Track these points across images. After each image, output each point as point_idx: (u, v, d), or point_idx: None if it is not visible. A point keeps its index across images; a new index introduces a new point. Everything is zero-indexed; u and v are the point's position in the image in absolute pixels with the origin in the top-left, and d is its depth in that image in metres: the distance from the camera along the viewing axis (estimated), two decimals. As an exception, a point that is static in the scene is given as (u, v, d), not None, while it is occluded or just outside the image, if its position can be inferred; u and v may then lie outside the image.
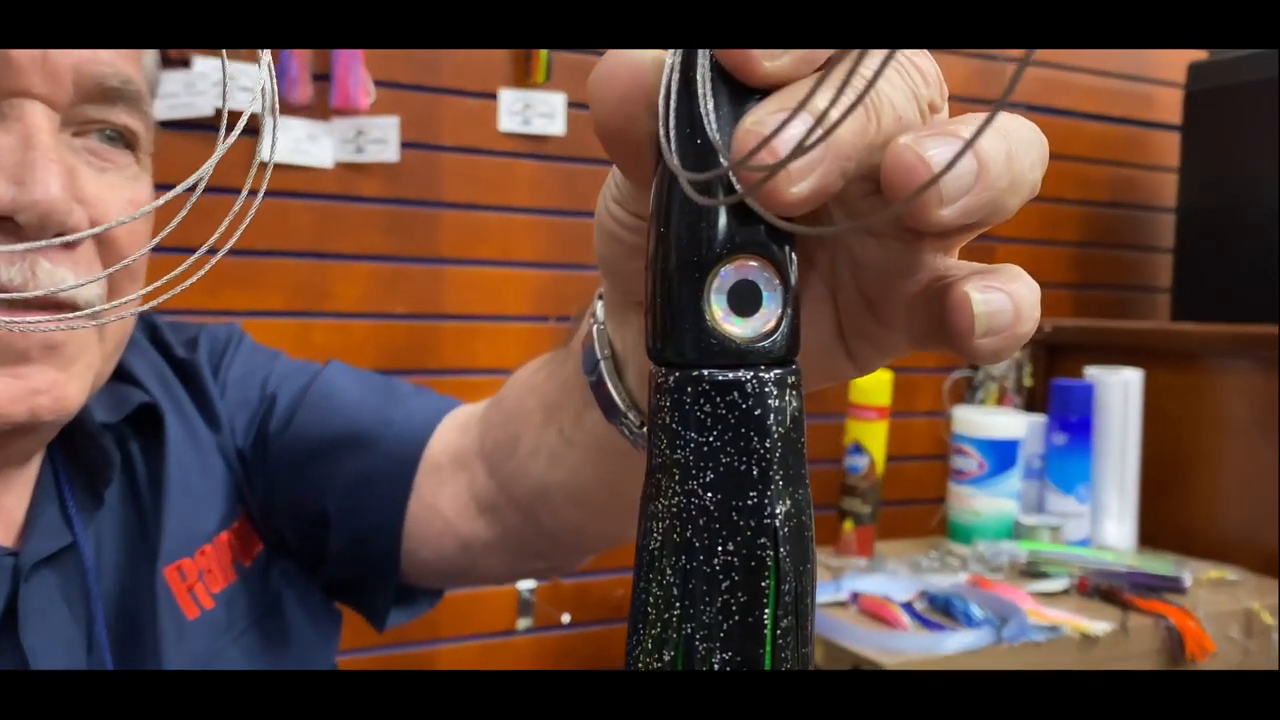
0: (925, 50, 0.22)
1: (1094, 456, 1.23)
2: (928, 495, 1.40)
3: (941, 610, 0.98)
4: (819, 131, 0.17)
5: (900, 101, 0.21)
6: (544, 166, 1.18)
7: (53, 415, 0.40)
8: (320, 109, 1.07)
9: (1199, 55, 1.44)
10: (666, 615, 0.20)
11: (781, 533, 0.19)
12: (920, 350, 0.26)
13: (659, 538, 0.20)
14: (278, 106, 0.22)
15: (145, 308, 0.23)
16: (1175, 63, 1.50)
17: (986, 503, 1.19)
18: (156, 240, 0.23)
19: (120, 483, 0.47)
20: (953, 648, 0.90)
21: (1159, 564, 1.10)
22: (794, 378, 0.20)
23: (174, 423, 0.50)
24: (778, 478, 0.20)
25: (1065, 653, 0.94)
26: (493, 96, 1.15)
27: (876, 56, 0.20)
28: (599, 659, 1.25)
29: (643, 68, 0.21)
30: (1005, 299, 0.22)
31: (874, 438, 1.16)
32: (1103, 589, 1.05)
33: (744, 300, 0.20)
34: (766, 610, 0.19)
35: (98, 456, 0.45)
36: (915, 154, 0.19)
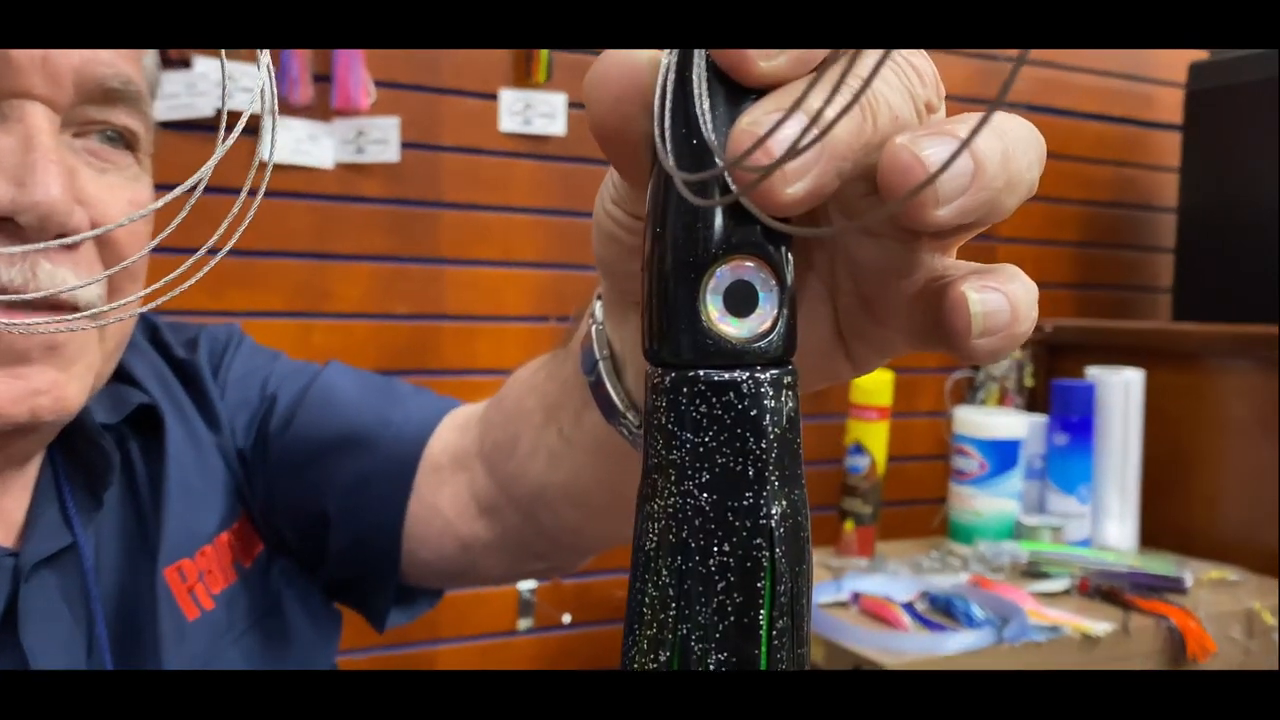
0: (922, 50, 0.22)
1: (1095, 457, 1.23)
2: (929, 495, 1.40)
3: (942, 611, 0.98)
4: (814, 131, 0.17)
5: (897, 101, 0.21)
6: (545, 167, 1.18)
7: (53, 416, 0.40)
8: (321, 109, 1.07)
9: (1200, 55, 1.44)
10: (662, 616, 0.20)
11: (777, 533, 0.19)
12: (918, 350, 0.26)
13: (655, 538, 0.20)
14: (277, 107, 0.22)
15: (146, 309, 0.23)
16: (1176, 63, 1.50)
17: (987, 503, 1.19)
18: (157, 241, 0.23)
19: (120, 483, 0.47)
20: (954, 648, 0.90)
21: (1160, 564, 1.10)
22: (790, 378, 0.20)
23: (174, 423, 0.50)
24: (773, 478, 0.20)
25: (1066, 653, 0.94)
26: (493, 97, 1.15)
27: (873, 56, 0.20)
28: (600, 659, 1.25)
29: (639, 68, 0.21)
30: (1002, 299, 0.22)
31: (875, 438, 1.15)
32: (1104, 589, 1.05)
33: (740, 301, 0.20)
34: (762, 611, 0.19)
35: (97, 457, 0.45)
36: (911, 154, 0.19)
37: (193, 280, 0.22)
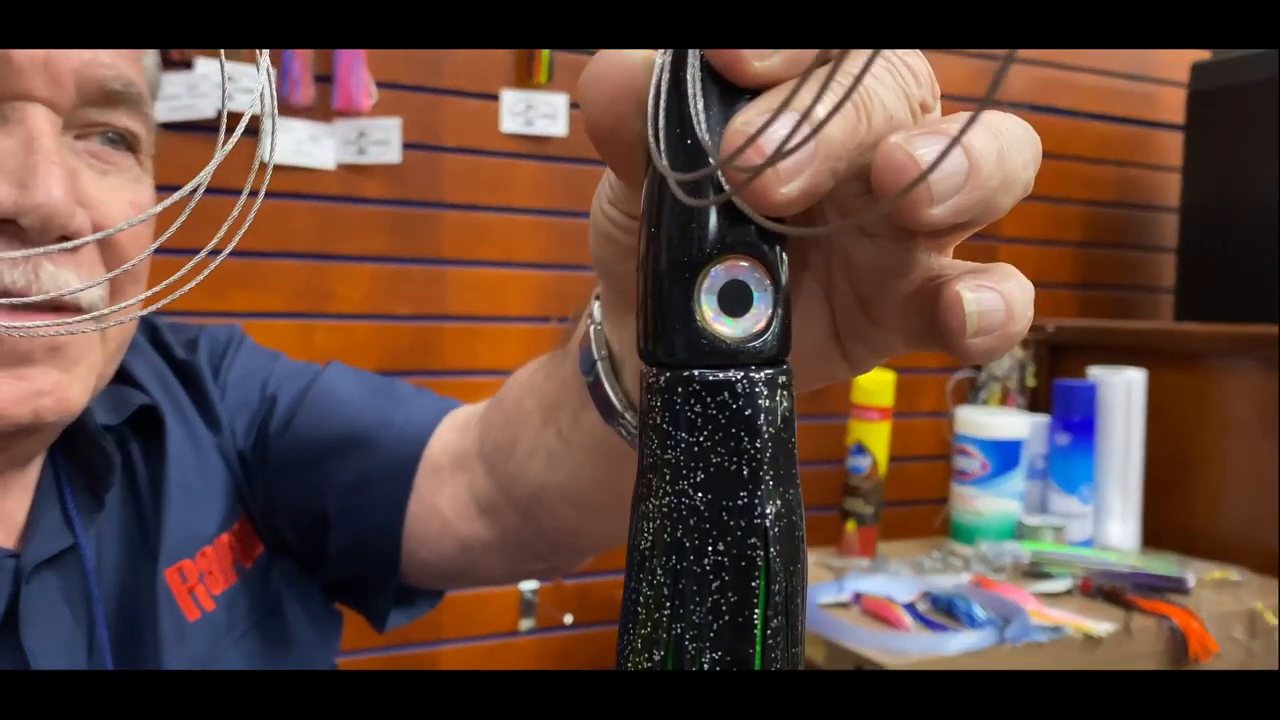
0: (917, 50, 0.22)
1: (1097, 457, 1.23)
2: (930, 496, 1.40)
3: (944, 611, 0.98)
4: (806, 129, 0.17)
5: (891, 101, 0.21)
6: (546, 167, 1.18)
7: (55, 417, 0.40)
8: (322, 110, 1.07)
9: (1202, 55, 1.44)
10: (657, 615, 0.20)
11: (772, 533, 0.19)
12: (915, 350, 0.26)
13: (650, 537, 0.20)
14: (276, 108, 0.22)
15: (148, 311, 0.23)
16: (1178, 62, 1.50)
17: (989, 503, 1.19)
18: (159, 243, 0.23)
19: (121, 485, 0.47)
20: (955, 648, 0.90)
21: (1162, 564, 1.10)
22: (785, 378, 0.20)
23: (174, 424, 0.50)
24: (768, 478, 0.20)
25: (1068, 653, 0.94)
26: (495, 97, 1.15)
27: (866, 56, 0.20)
28: (601, 660, 1.25)
29: (634, 68, 0.21)
30: (997, 298, 0.22)
31: (877, 438, 1.15)
32: (1106, 589, 1.04)
33: (734, 300, 0.20)
34: (756, 610, 0.19)
35: (99, 459, 0.45)
36: (905, 153, 0.19)
37: (194, 282, 0.22)
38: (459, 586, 0.56)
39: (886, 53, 0.21)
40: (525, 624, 1.21)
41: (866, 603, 0.99)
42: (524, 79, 1.16)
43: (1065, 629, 0.94)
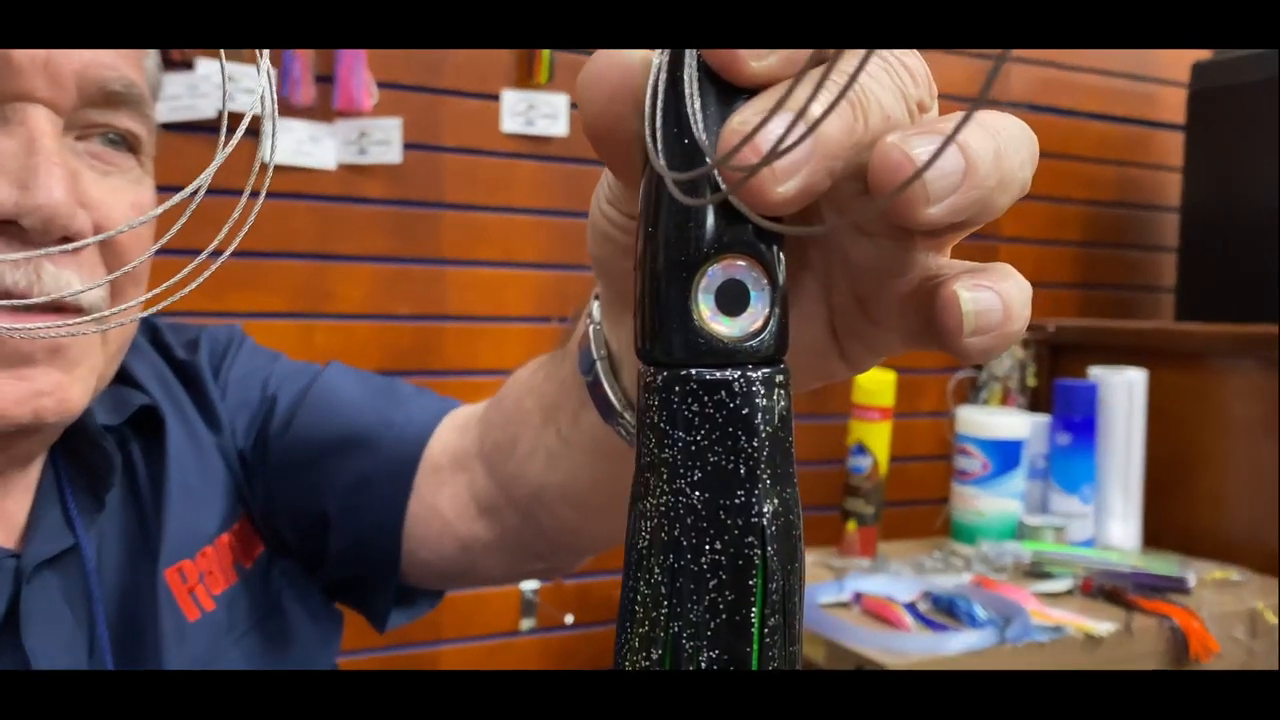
0: (915, 50, 0.22)
1: (1098, 457, 1.23)
2: (931, 496, 1.40)
3: (945, 611, 0.98)
4: (801, 127, 0.17)
5: (888, 101, 0.21)
6: (546, 167, 1.18)
7: (56, 417, 0.40)
8: (323, 110, 1.07)
9: (1203, 55, 1.44)
10: (654, 614, 0.20)
11: (769, 531, 0.19)
12: (914, 349, 0.26)
13: (647, 536, 0.20)
14: (276, 108, 0.22)
15: (149, 312, 0.23)
16: (1179, 62, 1.50)
17: (990, 503, 1.19)
18: (159, 244, 0.23)
19: (121, 485, 0.47)
20: (956, 648, 0.90)
21: (1163, 564, 1.10)
22: (782, 377, 0.20)
23: (175, 425, 0.50)
24: (765, 477, 0.20)
25: (1069, 653, 0.93)
26: (495, 97, 1.15)
27: (867, 57, 0.20)
28: (602, 659, 1.25)
29: (632, 68, 0.21)
30: (994, 298, 0.22)
31: (877, 438, 1.15)
32: (1107, 589, 1.04)
33: (732, 300, 0.20)
34: (754, 609, 0.19)
35: (99, 459, 0.45)
36: (901, 152, 0.19)
37: (195, 284, 0.22)
38: (459, 586, 0.56)
39: (884, 52, 0.21)
40: (526, 624, 1.21)
41: (867, 603, 0.99)
42: (524, 79, 1.16)
43: (1066, 629, 0.94)
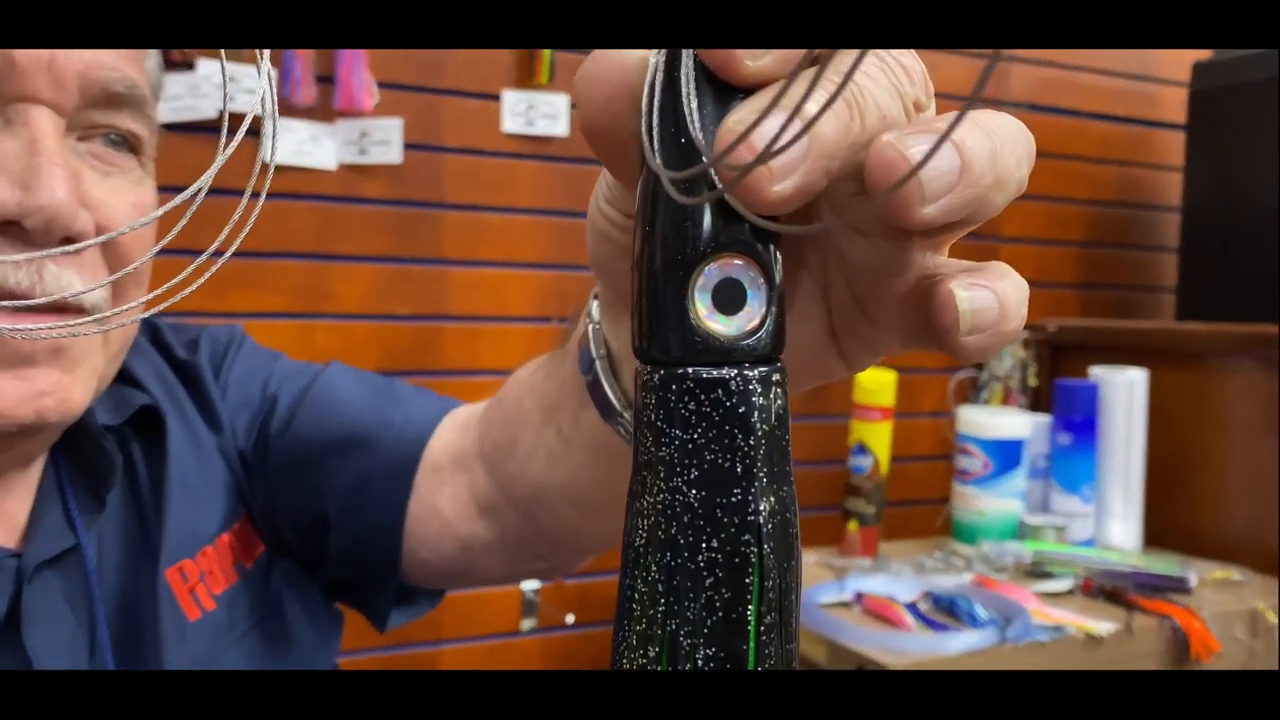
0: (911, 49, 0.22)
1: (1099, 456, 1.23)
2: (932, 495, 1.40)
3: (946, 610, 0.98)
4: (797, 125, 0.17)
5: (884, 100, 0.21)
6: (547, 167, 1.18)
7: (58, 417, 0.40)
8: (324, 111, 1.07)
9: (1204, 54, 1.44)
10: (651, 611, 0.20)
11: (765, 529, 0.20)
12: (911, 349, 0.26)
13: (644, 534, 0.20)
14: (277, 110, 0.22)
15: (150, 313, 0.23)
16: (1180, 62, 1.50)
17: (991, 503, 1.19)
18: (161, 245, 0.23)
19: (122, 485, 0.47)
20: (957, 648, 0.90)
21: (1164, 564, 1.10)
22: (779, 376, 0.20)
23: (175, 424, 0.50)
24: (762, 475, 0.20)
25: (1070, 653, 0.93)
26: (496, 98, 1.15)
27: (863, 57, 0.20)
28: (603, 659, 1.25)
29: (629, 67, 0.21)
30: (991, 296, 0.22)
31: (878, 438, 1.15)
32: (1107, 589, 1.04)
33: (728, 298, 0.20)
34: (750, 606, 0.20)
35: (100, 459, 0.45)
36: (897, 150, 0.19)
37: (196, 284, 0.22)
38: (459, 586, 0.56)
39: (880, 51, 0.21)
40: (527, 624, 1.21)
41: (868, 602, 0.99)
42: (525, 79, 1.16)
43: (1067, 629, 0.94)
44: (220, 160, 0.20)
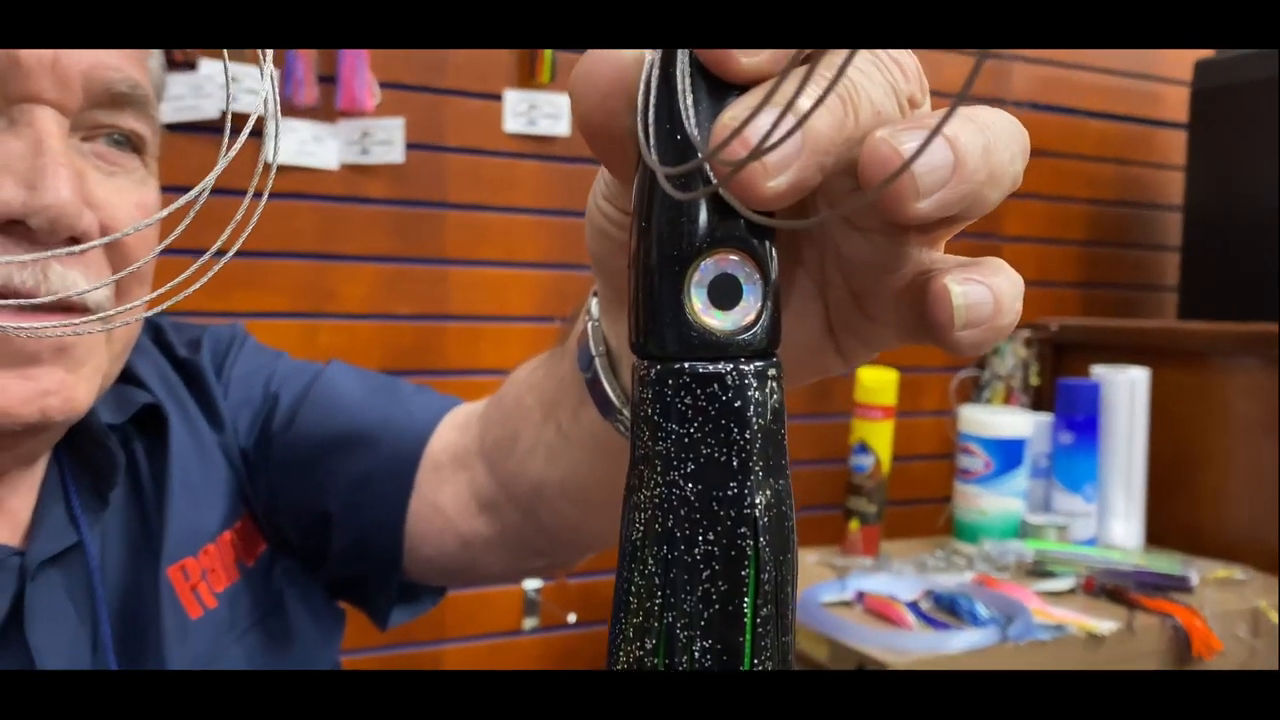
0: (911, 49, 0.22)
1: (1101, 455, 1.23)
2: (934, 494, 1.40)
3: (947, 609, 0.98)
4: (790, 120, 0.18)
5: (879, 96, 0.21)
6: (549, 167, 1.18)
7: (62, 416, 0.41)
8: (326, 111, 1.07)
9: (1205, 53, 1.44)
10: (648, 604, 0.20)
11: (761, 523, 0.20)
12: (908, 344, 0.26)
13: (641, 528, 0.20)
14: (279, 110, 0.22)
15: (153, 312, 0.23)
16: (1182, 61, 1.50)
17: (993, 502, 1.19)
18: (164, 245, 0.23)
19: (125, 483, 0.48)
20: (958, 647, 0.90)
21: (1166, 563, 1.10)
22: (774, 370, 0.20)
23: (177, 423, 0.50)
24: (757, 468, 0.20)
25: (1071, 652, 0.93)
26: (498, 97, 1.15)
27: (857, 53, 0.20)
28: (604, 659, 1.25)
29: (624, 64, 0.21)
30: (985, 291, 0.22)
31: (880, 437, 1.15)
32: (1109, 588, 1.04)
33: (724, 294, 0.20)
34: (746, 599, 0.20)
35: (103, 458, 0.46)
36: (890, 146, 0.20)
37: (199, 283, 0.22)
38: (461, 583, 0.56)
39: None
40: (529, 623, 1.21)
41: (870, 601, 0.99)
42: (527, 79, 1.16)
43: (1068, 627, 0.94)
44: (224, 161, 0.20)
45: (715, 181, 0.19)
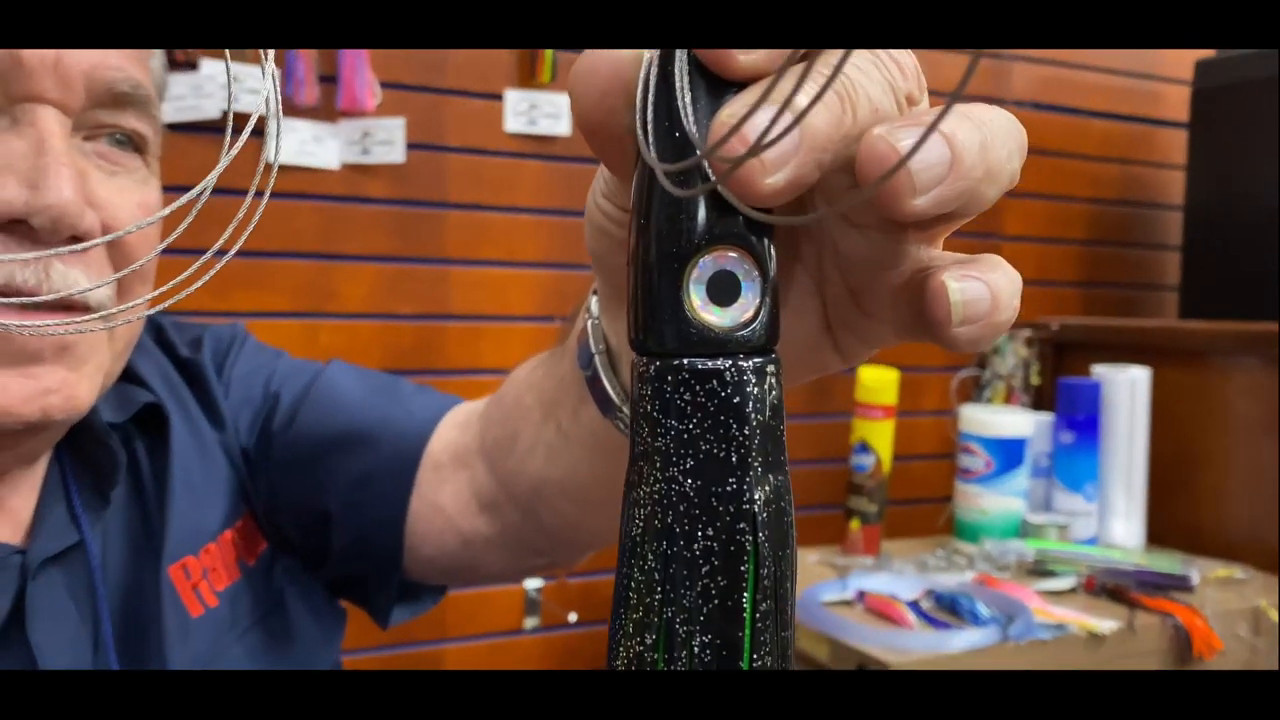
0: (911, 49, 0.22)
1: (1101, 455, 1.23)
2: (934, 494, 1.40)
3: (948, 609, 0.98)
4: (788, 118, 0.18)
5: (876, 93, 0.21)
6: (549, 167, 1.18)
7: (64, 415, 0.41)
8: (326, 111, 1.07)
9: (1206, 53, 1.44)
10: (648, 600, 0.20)
11: (760, 518, 0.20)
12: (906, 341, 0.26)
13: (640, 524, 0.20)
14: (280, 108, 0.22)
15: (155, 310, 0.23)
16: (1183, 60, 1.50)
17: (993, 501, 1.19)
18: (166, 244, 0.23)
19: (126, 482, 0.48)
20: (959, 646, 0.90)
21: (1166, 562, 1.10)
22: (773, 366, 0.20)
23: (178, 422, 0.50)
24: (756, 464, 0.20)
25: (1072, 651, 0.93)
26: (498, 97, 1.15)
27: (853, 51, 0.20)
28: (605, 658, 1.25)
29: (623, 62, 0.21)
30: (982, 288, 0.22)
31: (880, 436, 1.15)
32: (1110, 587, 1.04)
33: (723, 290, 0.20)
34: (745, 594, 0.20)
35: (105, 457, 0.46)
36: (887, 143, 0.20)
37: (200, 283, 0.22)
38: (461, 582, 0.56)
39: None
40: (530, 622, 1.21)
41: (870, 601, 0.99)
42: (527, 79, 1.16)
43: (1069, 627, 0.94)
44: (225, 161, 0.20)
45: (714, 178, 0.20)
